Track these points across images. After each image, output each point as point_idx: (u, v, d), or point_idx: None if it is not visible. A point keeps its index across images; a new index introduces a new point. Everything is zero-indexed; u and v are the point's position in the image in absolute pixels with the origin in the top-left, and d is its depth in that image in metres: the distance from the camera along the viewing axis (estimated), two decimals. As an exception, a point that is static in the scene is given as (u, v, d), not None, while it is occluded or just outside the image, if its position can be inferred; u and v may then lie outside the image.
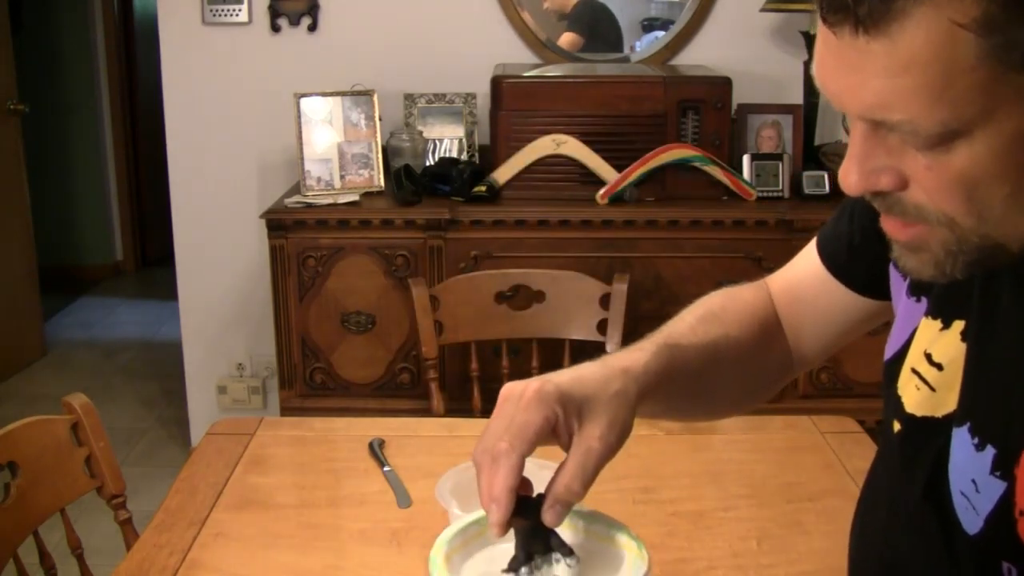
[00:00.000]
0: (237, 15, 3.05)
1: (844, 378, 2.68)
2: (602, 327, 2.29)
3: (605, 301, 2.30)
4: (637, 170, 2.63)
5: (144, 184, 5.56)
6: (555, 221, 2.59)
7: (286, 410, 2.71)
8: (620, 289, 2.29)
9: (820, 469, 1.55)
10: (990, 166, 0.60)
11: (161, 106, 3.14)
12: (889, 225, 0.67)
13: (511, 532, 0.74)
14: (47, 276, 4.55)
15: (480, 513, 0.77)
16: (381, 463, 1.55)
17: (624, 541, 0.78)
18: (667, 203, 2.64)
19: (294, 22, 3.05)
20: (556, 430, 0.74)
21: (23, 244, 4.23)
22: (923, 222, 0.64)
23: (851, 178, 0.65)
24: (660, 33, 3.09)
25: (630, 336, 2.44)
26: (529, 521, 0.73)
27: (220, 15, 3.05)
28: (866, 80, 0.60)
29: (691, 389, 0.90)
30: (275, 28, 3.06)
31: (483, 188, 2.63)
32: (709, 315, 0.94)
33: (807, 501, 1.45)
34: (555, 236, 2.59)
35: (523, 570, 0.73)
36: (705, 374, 0.89)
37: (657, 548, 1.33)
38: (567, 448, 0.75)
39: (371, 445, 1.61)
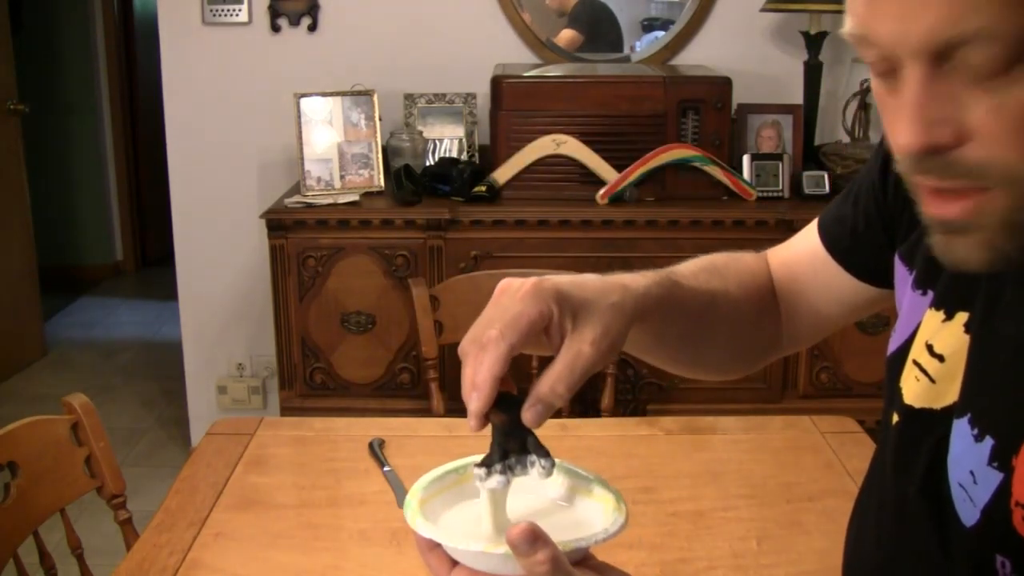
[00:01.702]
0: (237, 15, 3.05)
1: (844, 378, 2.68)
2: (602, 327, 2.29)
3: (605, 301, 2.30)
4: (637, 170, 2.63)
5: (144, 184, 5.56)
6: (555, 221, 2.59)
7: (286, 410, 2.71)
8: (620, 289, 2.29)
9: (820, 469, 1.56)
10: None
11: (161, 106, 3.14)
12: (936, 203, 0.61)
13: (482, 502, 0.72)
14: (47, 276, 4.55)
15: (461, 461, 0.76)
16: (381, 463, 1.55)
17: (600, 493, 0.76)
18: (667, 203, 2.64)
19: (294, 22, 3.05)
20: (548, 329, 0.71)
21: (23, 244, 4.23)
22: (981, 185, 0.58)
23: (905, 133, 0.58)
24: (660, 33, 3.09)
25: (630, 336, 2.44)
26: (508, 417, 0.70)
27: (220, 15, 3.05)
28: None
29: (684, 331, 0.87)
30: (275, 28, 3.06)
31: (483, 188, 2.63)
32: (712, 267, 0.92)
33: (807, 501, 1.45)
34: (555, 236, 2.59)
35: (496, 467, 0.71)
36: (700, 321, 0.88)
37: (657, 548, 1.33)
38: (556, 350, 0.71)
39: (371, 445, 1.61)
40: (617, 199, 2.63)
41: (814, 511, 1.42)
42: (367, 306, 2.66)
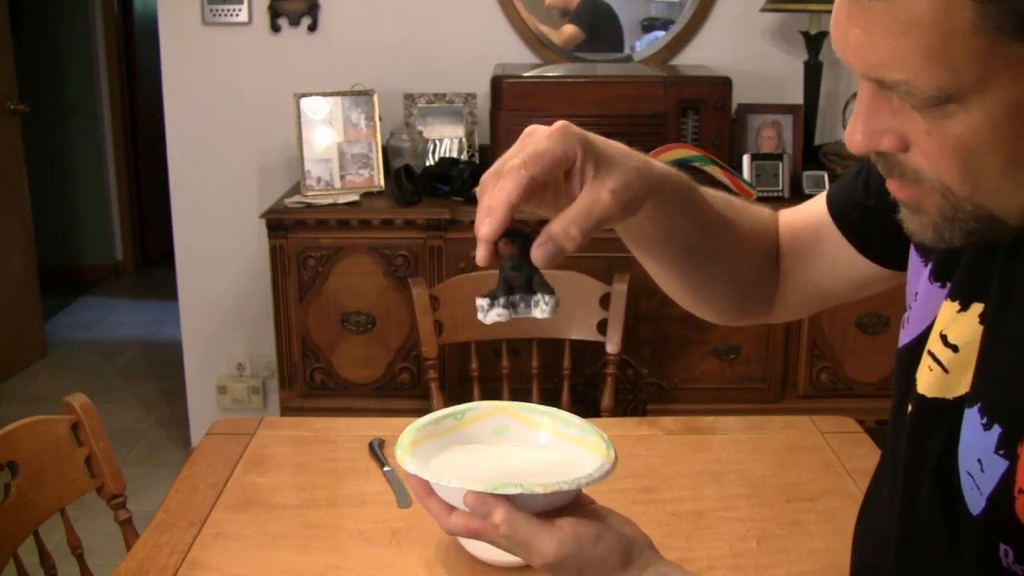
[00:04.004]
0: (237, 15, 3.05)
1: (844, 378, 2.68)
2: (602, 327, 2.29)
3: (605, 301, 2.30)
4: (637, 170, 2.63)
5: (144, 184, 5.56)
6: (555, 221, 2.58)
7: (286, 410, 2.71)
8: (620, 289, 2.29)
9: (820, 469, 1.56)
10: (986, 135, 0.61)
11: (161, 106, 3.14)
12: (892, 185, 0.69)
13: (479, 454, 0.74)
14: (47, 276, 4.55)
15: (459, 407, 0.78)
16: (381, 463, 1.56)
17: (592, 441, 0.78)
18: (667, 203, 2.64)
19: (294, 22, 3.05)
20: (570, 173, 0.71)
21: (23, 244, 4.23)
22: (920, 186, 0.66)
23: (856, 137, 0.66)
24: (660, 33, 3.09)
25: (630, 336, 2.45)
26: (517, 250, 0.70)
27: (220, 15, 3.05)
28: (871, 39, 0.61)
29: (693, 242, 0.88)
30: (275, 28, 3.06)
31: (483, 188, 2.63)
32: (728, 201, 0.93)
33: (807, 501, 1.45)
34: (555, 236, 2.59)
35: (500, 300, 0.71)
36: (708, 238, 0.89)
37: (657, 548, 1.33)
38: (573, 198, 0.72)
39: (371, 445, 1.61)
40: (617, 199, 2.63)
41: (814, 511, 1.42)
42: (367, 306, 2.66)
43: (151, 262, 5.62)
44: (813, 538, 1.35)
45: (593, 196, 0.71)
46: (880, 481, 0.86)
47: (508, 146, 0.73)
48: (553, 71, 2.91)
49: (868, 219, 0.89)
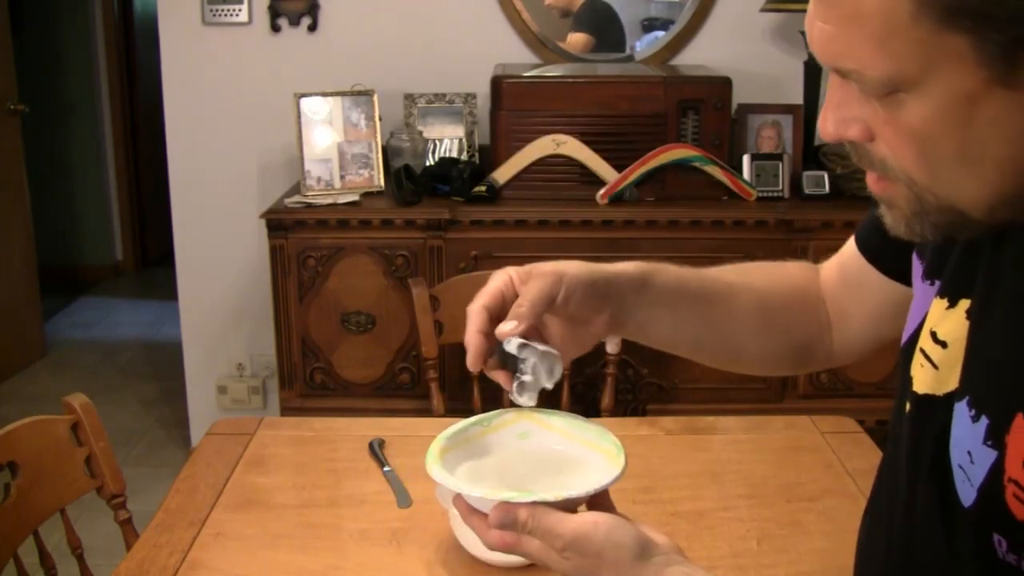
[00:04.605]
0: (237, 15, 3.05)
1: (844, 378, 2.68)
2: (602, 327, 2.29)
3: (605, 301, 2.30)
4: (637, 170, 2.63)
5: (144, 184, 5.56)
6: (555, 221, 2.59)
7: (286, 410, 2.71)
8: (620, 289, 2.29)
9: (820, 469, 1.56)
10: (935, 125, 0.63)
11: (161, 106, 3.14)
12: (869, 179, 0.71)
13: (501, 452, 0.85)
14: (47, 276, 4.55)
15: (483, 416, 0.88)
16: (381, 463, 1.56)
17: (602, 443, 0.83)
18: (667, 203, 2.64)
19: (294, 22, 3.05)
20: (514, 287, 0.87)
21: (23, 244, 4.23)
22: (889, 178, 0.69)
23: (827, 125, 0.70)
24: (660, 33, 3.09)
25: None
26: (498, 355, 0.85)
27: (220, 15, 3.05)
28: (830, 31, 0.65)
29: (702, 315, 0.95)
30: (275, 28, 3.06)
31: (483, 188, 2.63)
32: (733, 267, 1.00)
33: (807, 501, 1.45)
34: (555, 236, 2.59)
35: (514, 391, 0.84)
36: (717, 305, 0.95)
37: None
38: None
39: (371, 445, 1.61)
40: (617, 199, 2.63)
41: (814, 511, 1.42)
42: (367, 306, 2.66)
43: (151, 262, 5.62)
44: (813, 538, 1.35)
45: (526, 288, 0.86)
46: (881, 480, 0.87)
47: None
48: (553, 71, 2.91)
49: (888, 240, 0.91)
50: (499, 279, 0.88)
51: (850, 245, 0.99)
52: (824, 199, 2.71)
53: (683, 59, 3.07)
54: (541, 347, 0.83)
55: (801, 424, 1.71)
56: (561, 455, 0.84)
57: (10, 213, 4.13)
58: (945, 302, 0.77)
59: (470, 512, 0.78)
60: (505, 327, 0.83)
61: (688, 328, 0.96)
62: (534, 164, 2.65)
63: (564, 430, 0.86)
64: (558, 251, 2.54)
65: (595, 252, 2.57)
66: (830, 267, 1.03)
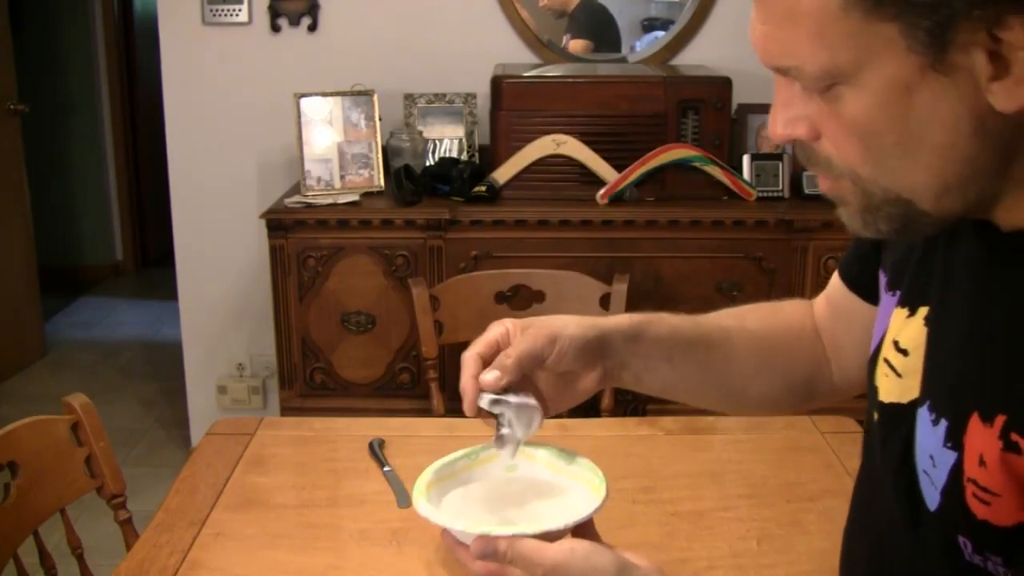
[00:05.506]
0: (237, 15, 3.05)
1: (844, 378, 2.68)
2: (602, 327, 2.29)
3: (605, 301, 2.30)
4: (637, 170, 2.63)
5: (144, 184, 5.56)
6: (555, 221, 2.59)
7: (286, 410, 2.71)
8: (620, 289, 2.29)
9: (820, 469, 1.56)
10: (875, 115, 0.64)
11: (161, 106, 3.14)
12: (821, 182, 0.72)
13: (488, 485, 0.87)
14: (47, 276, 4.55)
15: (470, 449, 0.90)
16: (381, 463, 1.55)
17: (585, 475, 0.85)
18: (667, 203, 2.64)
19: (294, 22, 3.05)
20: (509, 337, 0.88)
21: (23, 244, 4.23)
22: (835, 175, 0.69)
23: (775, 127, 0.71)
24: (660, 33, 3.08)
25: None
26: (486, 403, 0.85)
27: (220, 15, 3.05)
28: (769, 31, 0.67)
29: (703, 361, 0.96)
30: (275, 28, 3.06)
31: (483, 188, 2.63)
32: (727, 311, 1.00)
33: (807, 501, 1.45)
34: (555, 236, 2.59)
35: (493, 446, 0.86)
36: (715, 351, 0.96)
37: (657, 548, 1.33)
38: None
39: (371, 445, 1.61)
40: (617, 199, 2.63)
41: (814, 511, 1.42)
42: (367, 306, 2.66)
43: (151, 262, 5.62)
44: (813, 538, 1.35)
45: (516, 343, 0.88)
46: (859, 490, 0.89)
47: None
48: (553, 71, 2.91)
49: (867, 268, 0.92)
50: (496, 330, 0.89)
51: (835, 277, 0.99)
52: (824, 199, 2.70)
53: (683, 59, 3.07)
54: (516, 400, 0.84)
55: (801, 424, 1.71)
56: (546, 487, 0.86)
57: (10, 213, 4.13)
58: (905, 311, 0.77)
59: (456, 544, 0.80)
60: (488, 376, 0.84)
61: (685, 377, 0.97)
62: (534, 164, 2.65)
63: (549, 462, 0.88)
64: (558, 251, 2.57)
65: (595, 252, 2.57)
66: (820, 302, 1.03)
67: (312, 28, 3.06)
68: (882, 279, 0.85)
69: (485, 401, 0.84)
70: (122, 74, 5.39)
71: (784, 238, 2.59)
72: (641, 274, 2.53)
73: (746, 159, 2.76)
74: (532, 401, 0.85)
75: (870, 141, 0.65)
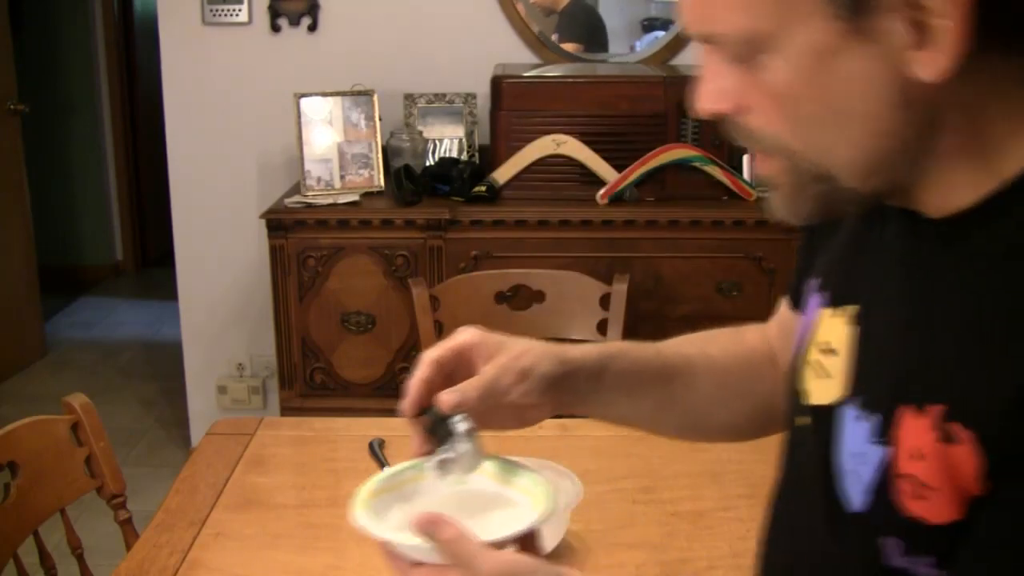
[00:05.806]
0: (237, 15, 3.05)
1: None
2: (602, 327, 2.29)
3: (605, 301, 2.30)
4: (637, 170, 2.63)
5: (144, 184, 5.55)
6: (555, 221, 2.59)
7: (286, 410, 2.71)
8: (620, 289, 2.29)
9: (820, 469, 1.55)
10: (799, 84, 0.63)
11: (161, 106, 3.14)
12: (757, 162, 0.71)
13: (433, 496, 0.83)
14: (47, 276, 4.54)
15: (417, 460, 0.85)
16: (381, 463, 1.55)
17: (534, 490, 0.82)
18: (667, 203, 2.64)
19: (294, 22, 3.05)
20: (475, 351, 0.85)
21: (23, 244, 4.23)
22: (764, 150, 0.68)
23: (700, 101, 0.69)
24: (660, 33, 3.08)
25: (630, 336, 2.45)
26: (431, 415, 0.83)
27: (220, 15, 3.05)
28: (695, 0, 0.65)
29: (667, 392, 0.93)
30: (275, 28, 3.06)
31: (483, 188, 2.63)
32: (689, 338, 0.98)
33: (807, 501, 1.45)
34: (555, 236, 2.59)
35: (433, 463, 0.81)
36: (678, 381, 0.94)
37: (657, 548, 1.33)
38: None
39: (371, 445, 1.61)
40: (617, 199, 2.63)
41: (814, 511, 1.42)
42: (367, 306, 2.66)
43: (151, 262, 5.62)
44: (813, 538, 1.35)
45: (487, 369, 0.84)
46: (775, 496, 0.87)
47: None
48: (553, 71, 2.91)
49: (803, 283, 0.90)
50: (463, 338, 0.85)
51: (783, 299, 0.98)
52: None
53: (683, 59, 3.07)
54: (465, 442, 0.81)
55: (801, 424, 1.71)
56: (492, 499, 0.84)
57: (10, 213, 4.13)
58: (830, 311, 0.77)
59: (392, 557, 0.76)
60: (448, 398, 0.81)
61: (640, 410, 0.95)
62: (534, 164, 2.65)
63: (497, 475, 0.86)
64: (558, 251, 2.57)
65: (595, 252, 2.57)
66: (772, 325, 1.02)
67: (312, 28, 3.06)
68: (812, 283, 0.84)
69: (431, 415, 0.82)
70: (122, 74, 5.39)
71: (784, 238, 2.58)
72: (641, 274, 2.54)
73: (746, 159, 2.76)
74: (480, 446, 0.82)
75: (794, 111, 0.64)
